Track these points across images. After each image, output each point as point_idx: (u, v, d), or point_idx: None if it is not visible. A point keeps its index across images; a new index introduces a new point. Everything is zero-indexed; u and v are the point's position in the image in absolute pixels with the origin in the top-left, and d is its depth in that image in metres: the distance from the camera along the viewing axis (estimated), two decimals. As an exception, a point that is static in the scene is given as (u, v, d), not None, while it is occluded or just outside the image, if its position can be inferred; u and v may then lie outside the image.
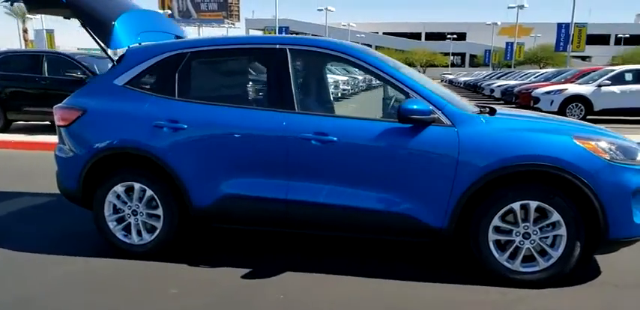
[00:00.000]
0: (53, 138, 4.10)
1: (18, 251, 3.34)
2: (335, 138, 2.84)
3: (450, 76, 48.65)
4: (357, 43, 3.64)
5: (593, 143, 2.74)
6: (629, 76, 11.41)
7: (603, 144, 2.75)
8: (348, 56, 3.00)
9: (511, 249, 2.82)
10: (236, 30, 61.18)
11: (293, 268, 3.07)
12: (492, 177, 2.72)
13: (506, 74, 24.62)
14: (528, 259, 2.83)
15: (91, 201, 3.32)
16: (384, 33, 68.22)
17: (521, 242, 2.81)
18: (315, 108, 3.16)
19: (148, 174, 3.17)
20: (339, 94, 9.68)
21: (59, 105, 3.35)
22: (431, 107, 2.77)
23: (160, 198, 3.14)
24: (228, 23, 58.77)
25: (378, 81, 3.13)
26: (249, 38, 3.27)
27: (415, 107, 2.70)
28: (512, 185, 2.76)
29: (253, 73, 3.24)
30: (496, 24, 46.89)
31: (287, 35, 3.88)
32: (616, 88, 11.28)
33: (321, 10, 41.91)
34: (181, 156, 3.05)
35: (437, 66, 60.01)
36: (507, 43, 38.35)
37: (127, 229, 3.25)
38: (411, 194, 2.84)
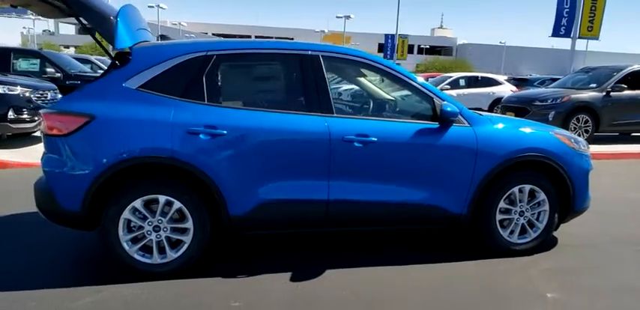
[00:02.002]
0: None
1: (17, 291, 2.72)
2: (375, 139, 3.06)
3: None
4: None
5: (563, 136, 3.52)
6: (462, 82, 13.79)
7: (569, 137, 3.56)
8: (378, 64, 3.23)
9: (511, 226, 3.44)
10: (44, 22, 53.17)
11: (329, 265, 3.18)
12: (502, 167, 3.27)
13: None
14: (521, 232, 3.48)
15: (95, 222, 2.89)
16: (213, 34, 67.31)
17: (518, 219, 3.44)
18: (349, 111, 3.30)
19: (176, 184, 2.90)
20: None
21: (50, 110, 2.82)
22: (457, 109, 3.20)
23: (190, 209, 2.91)
24: (32, 15, 50.81)
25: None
26: (277, 43, 3.21)
27: (450, 109, 3.10)
28: (513, 173, 3.36)
29: (284, 78, 3.20)
30: (324, 31, 50.44)
31: (317, 42, 3.82)
32: (454, 92, 13.50)
33: (152, 7, 39.39)
34: (219, 164, 2.89)
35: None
36: (339, 49, 41.62)
37: (144, 248, 2.93)
38: (440, 186, 3.23)
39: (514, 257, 3.43)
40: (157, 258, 2.92)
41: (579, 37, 12.07)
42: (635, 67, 8.88)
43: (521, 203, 3.42)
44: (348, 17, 38.67)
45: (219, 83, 3.02)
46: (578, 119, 8.39)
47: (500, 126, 3.38)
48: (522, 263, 3.35)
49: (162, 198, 2.88)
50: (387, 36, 27.89)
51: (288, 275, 3.04)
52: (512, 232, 3.44)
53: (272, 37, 68.73)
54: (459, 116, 3.24)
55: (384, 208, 3.18)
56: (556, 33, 12.15)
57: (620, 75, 8.67)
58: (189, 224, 2.94)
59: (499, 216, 3.39)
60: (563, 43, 71.34)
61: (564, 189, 3.47)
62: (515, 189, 3.38)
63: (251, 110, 2.98)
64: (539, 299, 2.85)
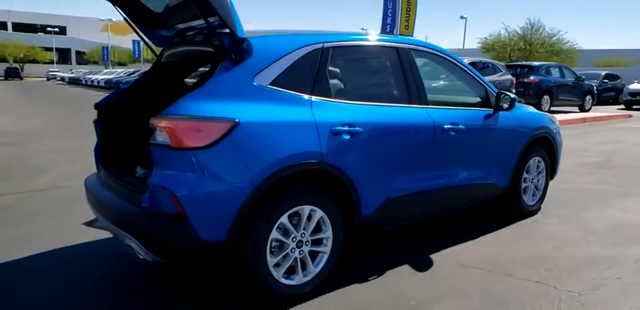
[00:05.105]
0: None
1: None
2: (463, 127, 3.31)
3: (60, 74, 44.99)
4: None
5: (551, 116, 4.38)
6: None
7: (552, 116, 4.44)
8: (449, 57, 3.45)
9: (529, 191, 4.16)
10: None
11: (430, 250, 3.34)
12: (528, 143, 3.92)
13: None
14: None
15: (239, 250, 2.39)
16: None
17: (529, 185, 4.18)
18: (436, 102, 3.40)
19: (318, 191, 2.62)
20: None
21: (177, 116, 2.19)
22: None
23: (330, 217, 2.68)
24: None
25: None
26: (381, 37, 3.08)
27: (514, 97, 3.56)
28: (530, 147, 4.04)
29: (389, 70, 3.09)
30: (111, 20, 45.20)
31: (405, 36, 3.29)
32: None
33: None
34: (356, 164, 2.72)
35: (39, 62, 52.52)
36: (134, 41, 38.11)
37: (287, 269, 2.58)
38: (497, 164, 3.69)
39: (528, 217, 4.17)
40: (301, 278, 2.61)
41: (399, 34, 14.08)
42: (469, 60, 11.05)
43: (532, 172, 4.16)
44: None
45: (340, 77, 2.80)
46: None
47: (521, 110, 4.01)
48: (543, 218, 4.14)
49: (306, 209, 2.58)
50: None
51: (407, 267, 3.08)
52: (528, 196, 4.17)
53: (37, 25, 58.09)
54: (504, 102, 3.73)
55: (464, 190, 3.48)
56: (383, 30, 13.89)
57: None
58: (328, 233, 2.71)
59: (523, 184, 4.06)
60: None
61: (552, 157, 4.35)
62: (531, 161, 4.09)
63: (376, 105, 2.87)
64: (598, 235, 3.66)
